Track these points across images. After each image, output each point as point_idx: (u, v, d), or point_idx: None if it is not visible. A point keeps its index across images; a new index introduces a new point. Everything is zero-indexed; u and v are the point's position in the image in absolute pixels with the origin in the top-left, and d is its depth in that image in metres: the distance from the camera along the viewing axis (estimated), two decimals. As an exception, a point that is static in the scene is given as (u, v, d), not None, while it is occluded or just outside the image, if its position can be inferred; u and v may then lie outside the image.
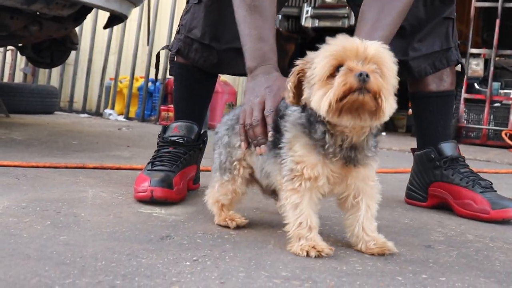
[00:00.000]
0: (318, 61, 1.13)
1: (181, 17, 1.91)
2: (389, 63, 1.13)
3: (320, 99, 1.11)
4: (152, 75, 6.23)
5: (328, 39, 1.14)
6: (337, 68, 1.11)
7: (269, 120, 1.31)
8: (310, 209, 1.21)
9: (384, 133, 6.76)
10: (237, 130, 1.39)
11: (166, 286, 0.95)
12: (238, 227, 1.42)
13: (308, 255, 1.18)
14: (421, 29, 1.87)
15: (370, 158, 1.21)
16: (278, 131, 1.26)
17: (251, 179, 1.44)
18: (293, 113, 1.23)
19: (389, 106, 1.11)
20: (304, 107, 1.20)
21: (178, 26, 1.91)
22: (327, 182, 1.20)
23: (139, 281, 0.97)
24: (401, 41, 1.86)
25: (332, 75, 1.11)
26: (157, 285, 0.95)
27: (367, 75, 1.07)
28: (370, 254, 1.25)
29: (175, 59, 1.91)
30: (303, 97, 1.18)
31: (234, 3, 1.53)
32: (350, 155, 1.18)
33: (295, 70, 1.19)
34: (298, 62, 1.19)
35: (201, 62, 1.86)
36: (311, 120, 1.19)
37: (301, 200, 1.20)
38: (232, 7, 1.76)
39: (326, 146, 1.17)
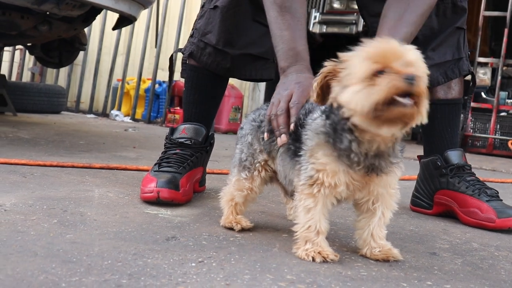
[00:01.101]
0: (357, 62, 1.09)
1: (195, 21, 1.92)
2: (424, 68, 1.11)
3: (361, 98, 1.07)
4: (159, 77, 6.25)
5: (364, 41, 1.11)
6: (377, 71, 1.07)
7: (293, 112, 1.30)
8: (322, 214, 1.21)
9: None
10: (260, 134, 1.39)
11: (172, 286, 0.96)
12: (243, 230, 1.42)
13: (313, 260, 1.19)
14: (433, 38, 1.87)
15: (394, 165, 1.19)
16: (298, 140, 1.24)
17: (272, 181, 1.45)
18: (315, 121, 1.21)
19: (425, 110, 1.09)
20: (329, 115, 1.18)
21: (192, 29, 1.92)
22: (346, 189, 1.19)
23: (145, 281, 0.97)
24: None
25: (371, 77, 1.07)
26: (163, 285, 0.96)
27: (414, 78, 1.04)
28: (374, 260, 1.25)
29: (187, 62, 1.92)
30: (331, 96, 1.14)
31: (265, 4, 1.53)
32: (374, 163, 1.16)
33: (324, 70, 1.16)
34: (327, 63, 1.16)
35: (213, 66, 1.87)
36: (336, 128, 1.15)
37: (315, 205, 1.19)
38: (247, 14, 1.78)
39: (352, 156, 1.14)
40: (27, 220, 1.32)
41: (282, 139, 1.29)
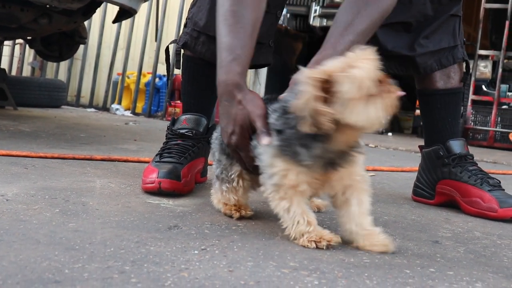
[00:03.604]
0: (358, 74, 1.08)
1: (189, 10, 1.91)
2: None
3: (376, 112, 1.10)
4: (159, 71, 6.25)
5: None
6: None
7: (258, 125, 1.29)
8: (303, 207, 1.21)
9: (390, 134, 6.75)
10: (226, 149, 1.40)
11: (175, 273, 0.95)
12: (243, 218, 1.42)
13: (317, 246, 1.18)
14: (427, 25, 1.87)
15: (354, 158, 1.19)
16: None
17: (255, 187, 1.44)
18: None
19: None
20: (281, 130, 1.19)
21: (186, 19, 1.92)
22: (309, 187, 1.19)
23: (148, 267, 0.97)
24: (407, 36, 1.87)
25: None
26: (166, 272, 0.96)
27: None
28: (369, 250, 1.21)
29: (182, 53, 1.91)
30: (333, 115, 1.10)
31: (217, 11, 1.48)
32: (333, 161, 1.17)
33: (316, 84, 1.10)
34: (314, 75, 1.11)
35: (208, 55, 1.86)
36: (291, 143, 1.17)
37: (290, 203, 1.20)
38: None
39: (311, 161, 1.16)
40: (29, 210, 1.32)
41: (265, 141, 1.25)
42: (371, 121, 1.10)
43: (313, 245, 1.19)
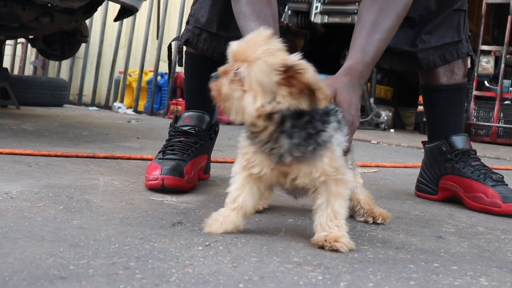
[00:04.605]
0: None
1: (191, 7, 1.91)
2: (255, 59, 1.12)
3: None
4: (161, 69, 6.25)
5: None
6: None
7: None
8: (247, 188, 1.22)
9: (392, 130, 6.75)
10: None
11: (179, 269, 0.96)
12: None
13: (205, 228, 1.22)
14: (431, 20, 1.86)
15: (306, 156, 1.14)
16: None
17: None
18: None
19: (236, 108, 1.14)
20: None
21: (188, 16, 1.92)
22: (263, 173, 1.19)
23: (152, 263, 0.97)
24: (410, 31, 1.86)
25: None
26: (171, 268, 0.96)
27: (213, 77, 1.18)
28: (319, 247, 1.15)
29: (184, 50, 1.91)
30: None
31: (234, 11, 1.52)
32: (271, 152, 1.16)
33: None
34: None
35: (209, 52, 1.86)
36: None
37: (237, 175, 1.23)
38: None
39: (253, 141, 1.19)
40: (34, 207, 1.32)
41: None
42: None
43: (209, 222, 1.22)
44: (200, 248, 1.10)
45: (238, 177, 1.23)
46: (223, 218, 1.22)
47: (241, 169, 1.22)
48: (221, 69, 1.17)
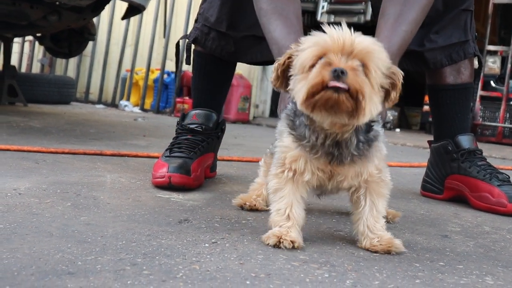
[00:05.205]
0: (302, 50, 1.09)
1: (200, 6, 1.92)
2: (378, 61, 1.06)
3: (299, 90, 1.07)
4: (167, 68, 6.26)
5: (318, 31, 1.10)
6: (317, 60, 1.05)
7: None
8: (295, 200, 1.16)
9: (398, 130, 6.73)
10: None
11: (186, 265, 0.96)
12: (252, 210, 1.44)
13: (276, 245, 1.12)
14: (438, 20, 1.86)
15: (362, 155, 1.13)
16: None
17: None
18: (288, 107, 1.21)
19: (372, 105, 1.05)
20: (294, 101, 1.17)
21: (197, 15, 1.93)
22: (311, 175, 1.15)
23: (159, 260, 0.98)
24: (419, 31, 1.85)
25: (310, 67, 1.06)
26: (178, 264, 0.97)
27: (342, 72, 1.01)
28: (374, 252, 1.16)
29: (192, 48, 1.92)
30: (289, 86, 1.13)
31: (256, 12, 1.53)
32: (333, 153, 1.12)
33: (287, 53, 1.14)
34: (292, 45, 1.14)
35: (218, 51, 1.87)
36: (296, 113, 1.15)
37: (283, 187, 1.16)
38: None
39: (305, 141, 1.13)
40: (42, 203, 1.33)
41: None
42: (297, 93, 1.06)
43: (273, 241, 1.12)
44: (206, 245, 1.11)
45: (283, 192, 1.16)
46: (283, 238, 1.12)
47: (284, 182, 1.16)
48: (336, 61, 1.03)
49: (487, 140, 5.69)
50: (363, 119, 1.05)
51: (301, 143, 1.14)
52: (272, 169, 1.19)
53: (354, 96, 1.03)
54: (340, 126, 1.10)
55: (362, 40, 1.06)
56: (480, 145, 1.99)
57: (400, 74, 1.11)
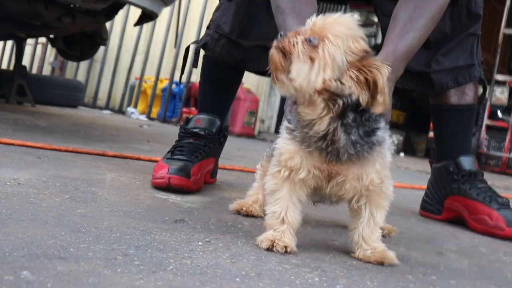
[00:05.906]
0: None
1: (213, 13, 1.94)
2: (334, 35, 1.08)
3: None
4: (176, 78, 6.30)
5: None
6: None
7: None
8: (290, 201, 1.15)
9: (402, 154, 6.72)
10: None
11: (177, 260, 0.97)
12: (248, 216, 1.45)
13: (271, 249, 1.11)
14: (446, 43, 1.87)
15: (360, 156, 1.11)
16: None
17: None
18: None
19: (303, 67, 1.07)
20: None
21: (209, 21, 1.95)
22: (307, 174, 1.13)
23: (151, 253, 0.98)
24: (425, 53, 1.86)
25: None
26: (169, 258, 0.97)
27: (280, 35, 1.11)
28: (367, 262, 1.15)
29: (203, 53, 1.94)
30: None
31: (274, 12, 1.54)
32: (323, 147, 1.11)
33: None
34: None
35: (227, 57, 1.89)
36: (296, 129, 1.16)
37: (279, 188, 1.15)
38: (262, 6, 1.79)
39: (296, 132, 1.13)
40: (40, 194, 1.34)
41: None
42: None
43: (266, 244, 1.12)
44: (200, 243, 1.11)
45: (279, 194, 1.16)
46: (277, 242, 1.13)
47: (281, 183, 1.16)
48: (291, 31, 1.12)
49: (491, 170, 5.67)
50: (294, 76, 1.07)
51: (293, 134, 1.14)
52: (270, 169, 1.19)
53: (287, 56, 1.09)
54: (311, 111, 1.10)
55: (325, 20, 1.11)
56: (484, 175, 1.95)
57: (379, 69, 1.08)
